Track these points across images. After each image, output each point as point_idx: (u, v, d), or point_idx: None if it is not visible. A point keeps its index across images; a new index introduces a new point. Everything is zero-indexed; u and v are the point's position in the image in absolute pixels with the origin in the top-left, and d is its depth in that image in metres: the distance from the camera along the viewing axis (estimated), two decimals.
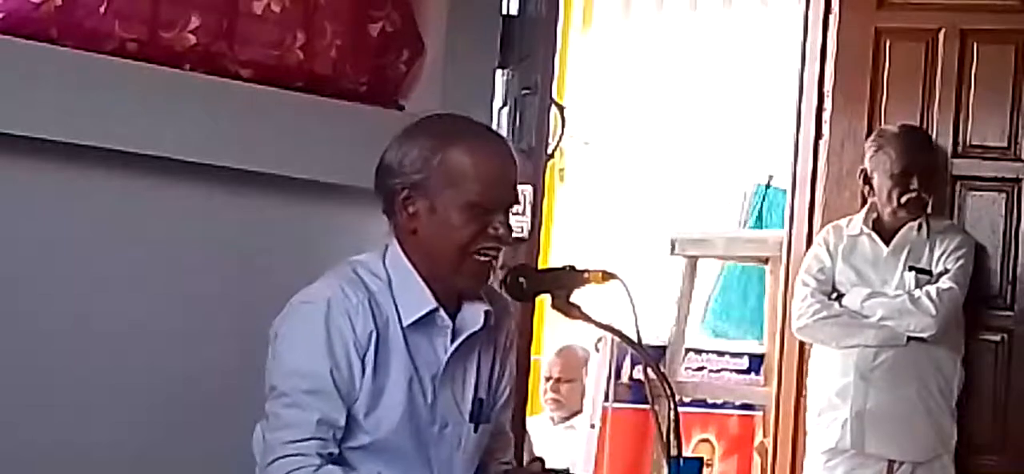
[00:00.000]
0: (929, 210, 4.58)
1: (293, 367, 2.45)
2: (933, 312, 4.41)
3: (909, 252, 4.53)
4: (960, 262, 4.48)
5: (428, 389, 2.52)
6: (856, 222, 4.62)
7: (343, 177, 3.24)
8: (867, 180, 4.59)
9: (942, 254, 4.50)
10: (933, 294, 4.42)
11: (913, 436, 4.50)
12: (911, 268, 4.51)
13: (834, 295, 4.59)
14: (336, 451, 2.43)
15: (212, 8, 3.17)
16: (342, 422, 2.43)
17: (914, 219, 4.54)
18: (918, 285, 4.47)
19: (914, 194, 4.50)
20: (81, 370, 3.06)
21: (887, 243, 4.56)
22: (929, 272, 4.49)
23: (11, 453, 2.95)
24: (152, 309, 3.16)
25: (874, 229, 4.58)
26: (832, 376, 4.57)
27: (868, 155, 4.59)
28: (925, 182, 4.51)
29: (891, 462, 4.51)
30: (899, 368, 4.47)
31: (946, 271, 4.47)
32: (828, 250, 4.62)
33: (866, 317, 4.50)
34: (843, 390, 4.52)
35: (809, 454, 4.66)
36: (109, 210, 3.11)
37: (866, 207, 4.64)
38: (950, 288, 4.44)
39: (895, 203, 4.53)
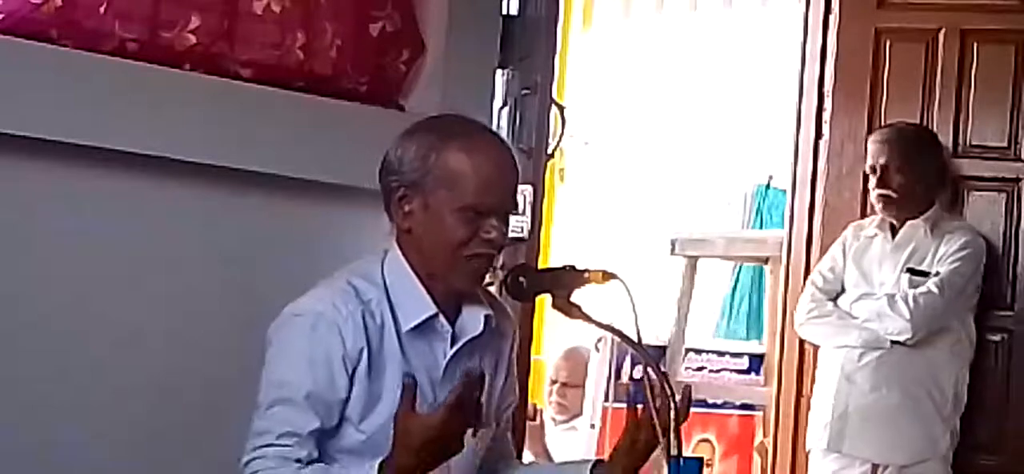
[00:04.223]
0: (933, 208, 4.50)
1: (273, 378, 2.46)
2: (907, 316, 4.33)
3: (913, 252, 4.47)
4: (954, 265, 4.39)
5: (428, 394, 2.51)
6: (875, 221, 4.57)
7: (343, 177, 3.24)
8: None
9: (942, 256, 4.42)
10: (910, 299, 4.35)
11: (895, 439, 4.43)
12: (908, 269, 4.46)
13: (840, 295, 4.57)
14: (304, 455, 2.42)
15: (212, 8, 3.17)
16: (308, 431, 2.42)
17: (896, 214, 4.50)
18: (912, 286, 4.39)
19: (882, 190, 4.46)
20: (80, 370, 3.06)
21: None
22: (928, 273, 4.41)
23: (11, 453, 2.95)
24: (151, 309, 3.16)
25: (889, 227, 4.53)
26: (825, 377, 4.57)
27: None
28: (900, 179, 4.45)
29: (875, 465, 4.48)
30: (883, 370, 4.42)
31: (937, 274, 4.39)
32: (843, 249, 4.58)
33: (854, 318, 4.47)
34: (829, 391, 4.51)
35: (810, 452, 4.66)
36: (109, 210, 3.11)
37: None
38: (929, 293, 4.35)
39: (872, 197, 4.53)
